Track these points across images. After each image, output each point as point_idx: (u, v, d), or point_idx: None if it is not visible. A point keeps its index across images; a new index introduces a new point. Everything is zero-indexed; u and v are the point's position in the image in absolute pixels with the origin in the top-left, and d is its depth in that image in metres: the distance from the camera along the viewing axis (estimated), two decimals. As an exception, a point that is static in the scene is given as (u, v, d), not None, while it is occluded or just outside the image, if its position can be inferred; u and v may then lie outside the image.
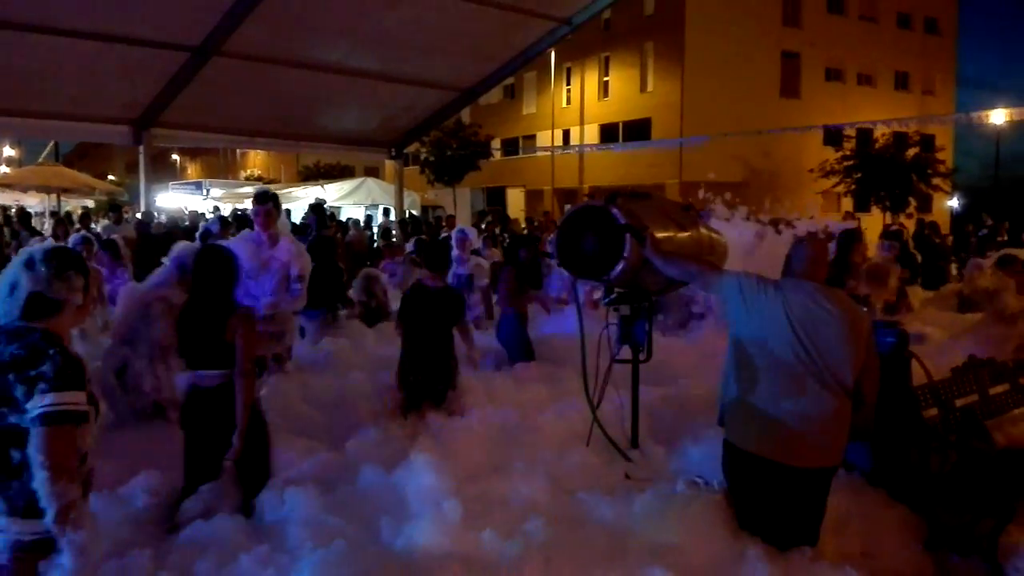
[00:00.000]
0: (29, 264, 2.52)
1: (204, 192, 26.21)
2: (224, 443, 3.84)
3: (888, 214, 28.81)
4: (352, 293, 8.86)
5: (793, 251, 3.83)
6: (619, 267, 4.19)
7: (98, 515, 3.09)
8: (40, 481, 2.36)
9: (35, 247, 2.67)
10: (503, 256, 10.97)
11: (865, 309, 5.62)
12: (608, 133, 37.89)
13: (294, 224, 13.46)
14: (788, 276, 3.78)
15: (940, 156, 32.00)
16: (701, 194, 8.93)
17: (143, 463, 4.34)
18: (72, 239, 8.06)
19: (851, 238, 7.55)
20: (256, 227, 6.42)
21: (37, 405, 2.37)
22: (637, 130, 35.55)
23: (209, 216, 16.11)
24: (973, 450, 4.55)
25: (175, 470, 4.12)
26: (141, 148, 12.03)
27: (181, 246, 5.41)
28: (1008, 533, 4.10)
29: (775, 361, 3.60)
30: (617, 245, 4.19)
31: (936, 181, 30.37)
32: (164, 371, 5.08)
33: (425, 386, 5.56)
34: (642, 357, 4.84)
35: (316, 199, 17.64)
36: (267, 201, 6.39)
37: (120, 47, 9.56)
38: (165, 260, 5.40)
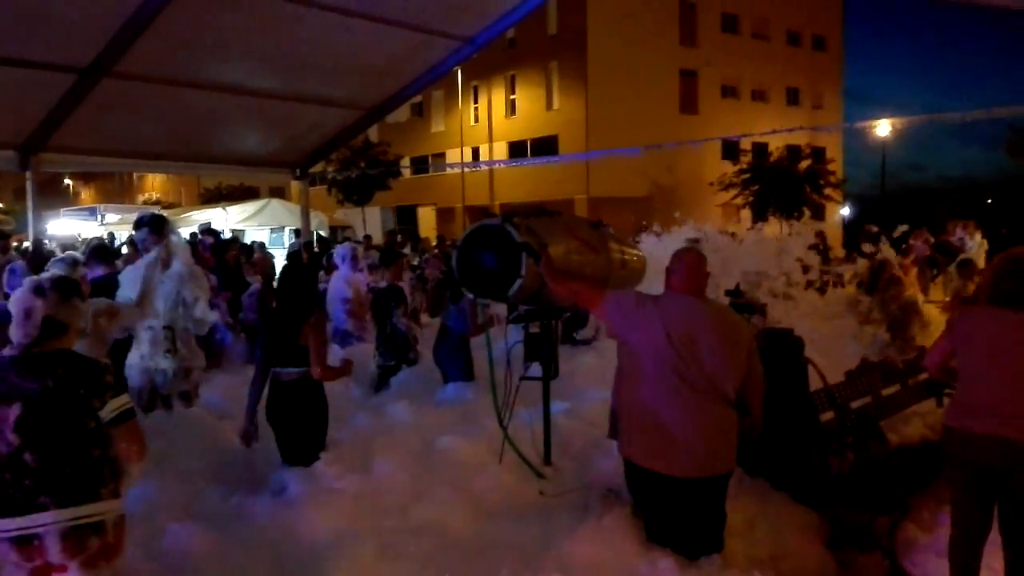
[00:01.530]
0: (39, 291, 2.89)
1: (99, 218, 25.13)
2: (301, 427, 4.71)
3: (785, 223, 29.99)
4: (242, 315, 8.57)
5: (671, 265, 3.92)
6: (516, 286, 4.22)
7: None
8: (124, 463, 2.94)
9: (42, 276, 3.05)
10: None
11: (761, 317, 5.80)
12: (516, 150, 38.24)
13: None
14: (667, 289, 3.87)
15: (831, 167, 33.64)
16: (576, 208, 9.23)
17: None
18: None
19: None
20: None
21: (112, 408, 2.87)
22: (544, 147, 36.01)
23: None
24: (869, 450, 4.76)
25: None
26: (28, 174, 11.41)
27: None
28: (904, 529, 4.30)
29: (655, 375, 3.67)
30: (514, 264, 4.21)
31: (828, 191, 31.88)
32: None
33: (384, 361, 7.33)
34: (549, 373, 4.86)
35: (200, 225, 17.04)
36: (139, 227, 6.08)
37: (1, 69, 9.07)
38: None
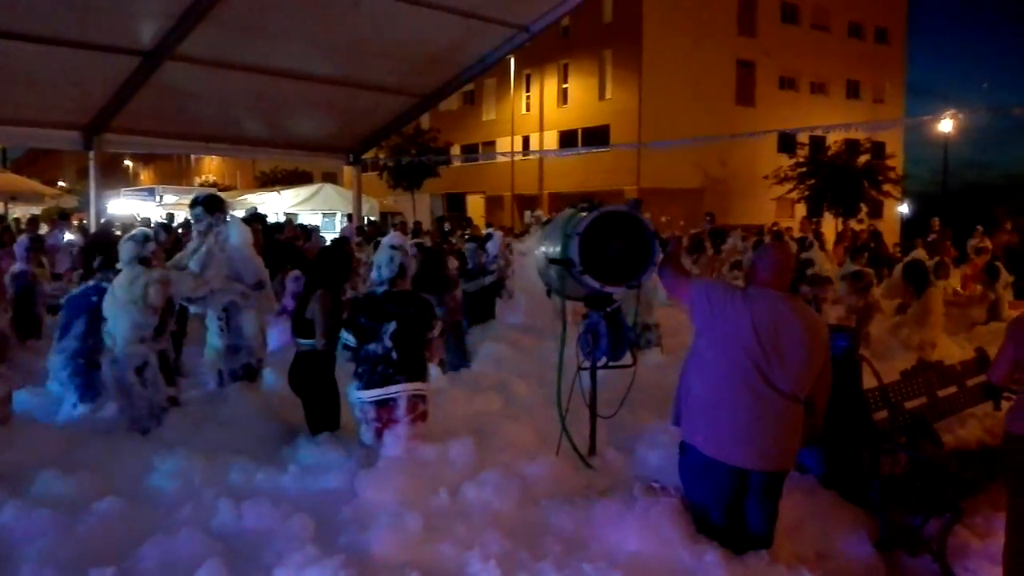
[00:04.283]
0: (397, 248, 4.81)
1: (157, 198, 25.74)
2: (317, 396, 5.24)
3: (840, 220, 29.34)
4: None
5: (757, 258, 3.86)
6: (648, 272, 4.32)
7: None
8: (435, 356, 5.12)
9: (387, 238, 5.11)
10: None
11: (817, 314, 5.70)
12: (567, 139, 38.03)
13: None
14: (753, 284, 3.81)
15: (890, 163, 32.78)
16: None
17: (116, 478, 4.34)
18: None
19: None
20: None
21: (438, 330, 4.87)
22: (596, 137, 35.74)
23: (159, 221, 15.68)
24: (922, 452, 4.65)
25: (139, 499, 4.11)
26: (91, 154, 11.75)
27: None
28: (956, 533, 4.19)
29: (735, 367, 3.63)
30: (644, 250, 4.26)
31: (887, 187, 31.05)
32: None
33: None
34: (628, 361, 4.87)
35: (247, 210, 17.12)
36: (195, 205, 6.11)
37: (70, 51, 9.33)
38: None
